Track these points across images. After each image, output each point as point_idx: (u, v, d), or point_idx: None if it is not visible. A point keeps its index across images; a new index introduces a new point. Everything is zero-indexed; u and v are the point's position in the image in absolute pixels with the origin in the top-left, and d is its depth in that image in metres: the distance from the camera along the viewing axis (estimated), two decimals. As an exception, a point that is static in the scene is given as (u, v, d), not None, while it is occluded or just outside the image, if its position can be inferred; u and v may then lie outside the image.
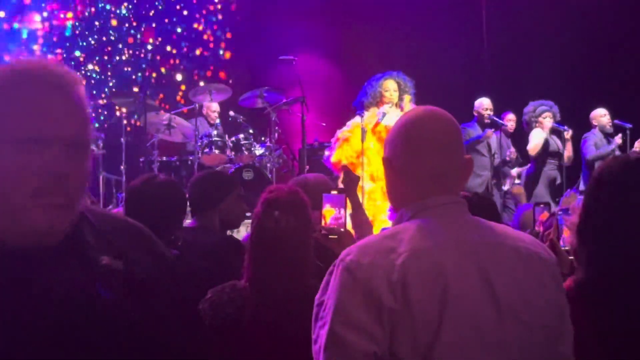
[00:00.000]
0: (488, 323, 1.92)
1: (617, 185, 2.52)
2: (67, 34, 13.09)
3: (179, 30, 13.75)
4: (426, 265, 1.93)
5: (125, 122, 10.20)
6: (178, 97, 13.36)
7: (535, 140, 9.84)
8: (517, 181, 10.29)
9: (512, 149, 10.13)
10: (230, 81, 12.93)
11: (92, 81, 13.15)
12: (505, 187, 10.21)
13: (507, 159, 10.03)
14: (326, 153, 9.00)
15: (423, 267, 1.92)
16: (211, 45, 13.83)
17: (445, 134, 2.10)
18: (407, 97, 8.36)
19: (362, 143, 8.20)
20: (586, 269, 2.49)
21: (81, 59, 13.16)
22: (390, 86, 8.35)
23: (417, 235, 1.99)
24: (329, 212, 2.92)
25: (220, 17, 13.82)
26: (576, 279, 2.49)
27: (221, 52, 13.86)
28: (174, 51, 13.65)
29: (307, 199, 2.91)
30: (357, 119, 8.42)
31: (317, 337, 1.95)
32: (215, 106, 10.55)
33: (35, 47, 12.80)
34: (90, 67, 13.18)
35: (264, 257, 2.86)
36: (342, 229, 2.92)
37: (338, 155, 8.47)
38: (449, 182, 2.09)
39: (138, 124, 11.62)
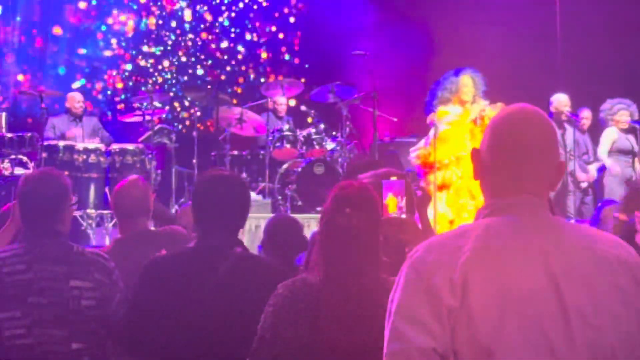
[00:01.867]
0: (554, 327, 1.88)
1: None
2: (142, 29, 13.27)
3: (257, 24, 13.81)
4: (488, 265, 1.91)
5: (198, 115, 10.31)
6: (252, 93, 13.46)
7: (605, 145, 9.77)
8: (594, 176, 10.09)
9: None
10: (303, 77, 12.97)
11: (168, 77, 13.32)
12: (584, 184, 10.03)
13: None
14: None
15: (484, 267, 1.91)
16: (283, 49, 13.87)
17: (534, 137, 2.04)
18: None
19: (435, 139, 8.08)
20: None
21: (157, 53, 13.34)
22: (467, 82, 8.25)
23: (485, 235, 1.97)
24: (392, 201, 2.88)
25: (292, 20, 13.87)
26: None
27: (287, 57, 13.88)
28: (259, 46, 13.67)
29: (377, 195, 2.87)
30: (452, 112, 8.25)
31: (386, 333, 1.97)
32: (282, 99, 10.59)
33: (113, 42, 13.03)
34: (166, 64, 13.34)
35: (336, 253, 2.84)
36: (403, 216, 2.88)
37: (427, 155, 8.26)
38: (532, 183, 2.04)
39: (209, 122, 11.73)
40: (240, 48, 13.74)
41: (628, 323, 1.94)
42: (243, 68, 13.70)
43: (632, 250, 2.05)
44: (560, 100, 9.81)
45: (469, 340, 1.86)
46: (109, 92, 13.02)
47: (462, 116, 8.14)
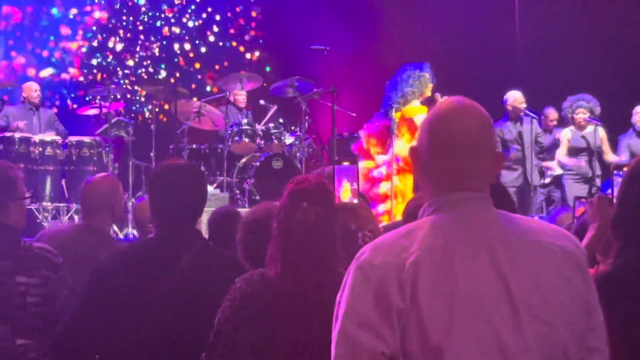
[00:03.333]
0: (503, 322, 1.88)
1: None
2: (102, 21, 13.17)
3: (217, 18, 13.74)
4: (435, 264, 1.90)
5: (156, 109, 10.25)
6: (209, 87, 13.39)
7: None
8: (557, 172, 10.17)
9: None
10: (263, 70, 12.95)
11: (127, 70, 13.23)
12: (546, 180, 10.12)
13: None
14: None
15: (432, 266, 1.90)
16: (246, 37, 13.82)
17: (471, 132, 2.02)
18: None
19: (393, 134, 8.09)
20: (614, 261, 2.49)
21: (115, 47, 13.24)
22: (429, 78, 8.27)
23: (431, 233, 1.96)
24: (346, 187, 2.90)
25: (254, 14, 13.83)
26: (599, 270, 2.50)
27: (255, 54, 13.83)
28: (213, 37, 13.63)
29: (332, 189, 2.89)
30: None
31: (334, 335, 1.96)
32: (242, 91, 10.57)
33: (74, 33, 12.91)
34: (123, 55, 13.25)
35: (293, 248, 2.84)
36: (355, 200, 2.90)
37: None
38: (474, 179, 2.04)
39: (166, 106, 11.66)
40: (198, 40, 13.67)
41: (577, 314, 1.96)
42: (198, 66, 13.64)
43: (577, 241, 2.07)
44: (516, 98, 9.86)
45: (420, 340, 1.86)
46: (66, 84, 12.91)
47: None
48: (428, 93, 8.18)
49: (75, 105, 12.33)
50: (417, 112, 8.08)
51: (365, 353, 1.87)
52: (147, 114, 12.78)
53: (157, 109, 10.53)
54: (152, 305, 3.06)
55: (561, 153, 9.92)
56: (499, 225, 2.01)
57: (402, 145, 7.92)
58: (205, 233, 4.62)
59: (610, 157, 9.77)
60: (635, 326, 2.41)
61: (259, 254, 3.01)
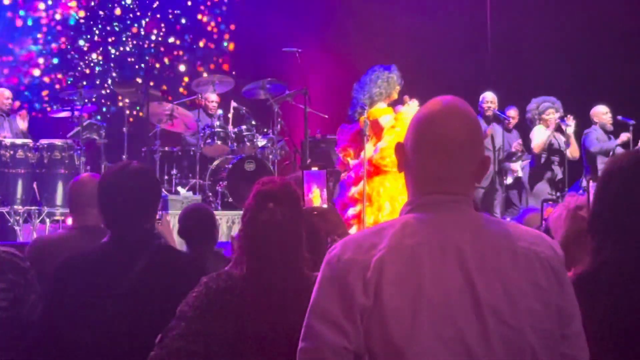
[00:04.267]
0: (468, 326, 1.87)
1: (626, 180, 2.54)
2: (72, 22, 13.08)
3: (183, 21, 13.73)
4: (401, 263, 1.90)
5: (127, 112, 10.22)
6: (181, 89, 13.36)
7: (539, 138, 9.80)
8: (520, 174, 10.24)
9: (519, 141, 10.09)
10: (234, 72, 12.94)
11: (96, 71, 13.16)
12: (508, 182, 10.19)
13: (513, 150, 9.98)
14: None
15: (398, 265, 1.90)
16: (215, 36, 13.80)
17: (457, 133, 2.00)
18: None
19: (365, 137, 8.04)
20: (592, 260, 2.50)
21: (85, 48, 13.17)
22: (397, 80, 8.21)
23: (400, 233, 1.95)
24: (317, 192, 2.92)
25: (224, 8, 13.80)
26: (577, 271, 2.50)
27: (225, 44, 13.85)
28: (178, 42, 13.63)
29: (298, 191, 2.90)
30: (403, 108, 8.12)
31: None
32: (213, 97, 10.56)
33: (39, 36, 12.82)
34: (94, 56, 13.18)
35: (260, 249, 2.83)
36: (324, 205, 2.91)
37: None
38: (455, 182, 2.02)
39: (141, 114, 11.63)
40: (171, 41, 13.63)
41: (549, 321, 1.94)
42: (166, 61, 13.59)
43: (556, 245, 2.05)
44: (488, 99, 9.93)
45: (382, 340, 1.86)
46: (37, 87, 12.82)
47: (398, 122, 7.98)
48: (395, 95, 8.12)
49: (49, 108, 12.24)
50: (383, 113, 8.02)
51: (328, 348, 1.88)
52: (120, 116, 12.72)
53: (128, 111, 10.49)
54: (111, 308, 3.05)
55: (537, 145, 9.85)
56: (473, 229, 1.99)
57: (369, 148, 7.89)
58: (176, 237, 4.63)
59: (576, 154, 9.83)
60: (615, 326, 2.41)
61: None
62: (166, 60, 13.64)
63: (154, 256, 3.17)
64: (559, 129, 9.79)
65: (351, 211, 7.85)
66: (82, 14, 13.12)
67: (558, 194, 9.21)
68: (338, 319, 1.89)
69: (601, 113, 10.03)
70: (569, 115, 9.64)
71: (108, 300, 3.07)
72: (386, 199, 7.73)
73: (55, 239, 4.46)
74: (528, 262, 1.95)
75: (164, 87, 13.14)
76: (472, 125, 2.04)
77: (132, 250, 3.16)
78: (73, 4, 13.02)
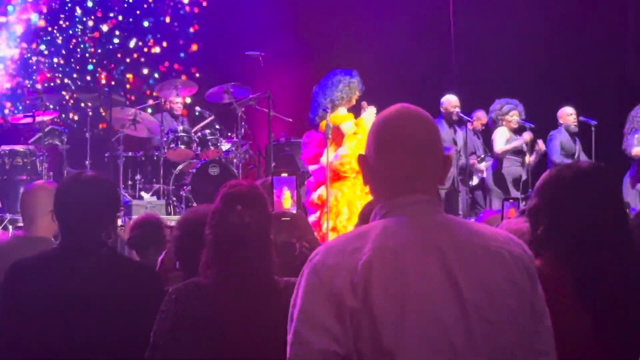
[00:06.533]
0: (454, 323, 1.91)
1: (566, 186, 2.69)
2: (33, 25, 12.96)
3: (145, 24, 13.65)
4: (387, 265, 1.93)
5: (90, 116, 10.14)
6: (145, 92, 13.27)
7: (501, 139, 9.90)
8: (484, 175, 10.31)
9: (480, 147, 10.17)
10: (198, 75, 12.89)
11: (58, 75, 13.04)
12: (473, 183, 10.26)
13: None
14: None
15: (384, 267, 1.93)
16: (181, 42, 13.73)
17: (418, 134, 2.08)
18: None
19: (328, 139, 7.99)
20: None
21: (46, 52, 13.04)
22: (358, 85, 8.15)
23: (382, 235, 1.99)
24: (287, 196, 2.92)
25: (187, 9, 13.73)
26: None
27: (189, 46, 13.77)
28: (140, 44, 13.54)
29: (265, 194, 2.89)
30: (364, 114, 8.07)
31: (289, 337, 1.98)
32: (178, 98, 10.51)
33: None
34: (55, 60, 13.05)
35: (229, 253, 2.81)
36: (293, 210, 2.91)
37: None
38: (423, 181, 2.07)
39: (103, 117, 11.54)
40: (132, 44, 13.53)
41: (524, 318, 2.00)
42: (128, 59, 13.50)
43: (525, 246, 2.11)
44: (450, 101, 9.95)
45: (372, 340, 1.88)
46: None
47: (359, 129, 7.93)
48: (354, 101, 8.09)
49: (11, 115, 12.11)
50: (344, 119, 7.99)
51: (319, 353, 1.89)
52: (82, 122, 12.60)
53: (91, 113, 10.39)
54: (59, 313, 3.04)
55: (500, 147, 9.94)
56: (448, 228, 2.04)
57: (330, 153, 7.83)
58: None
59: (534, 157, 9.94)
60: (562, 325, 2.45)
61: (193, 255, 2.99)
62: (128, 60, 13.51)
63: (101, 261, 3.15)
64: (520, 131, 9.89)
65: (312, 217, 7.80)
66: (42, 23, 12.98)
67: (522, 195, 9.28)
68: (328, 324, 1.90)
69: (566, 114, 10.14)
70: (538, 141, 9.77)
71: (57, 304, 3.05)
72: (344, 205, 7.73)
73: (3, 247, 4.38)
74: (503, 261, 2.01)
75: (128, 90, 13.04)
76: (429, 125, 2.13)
77: (79, 255, 3.14)
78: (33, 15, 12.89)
